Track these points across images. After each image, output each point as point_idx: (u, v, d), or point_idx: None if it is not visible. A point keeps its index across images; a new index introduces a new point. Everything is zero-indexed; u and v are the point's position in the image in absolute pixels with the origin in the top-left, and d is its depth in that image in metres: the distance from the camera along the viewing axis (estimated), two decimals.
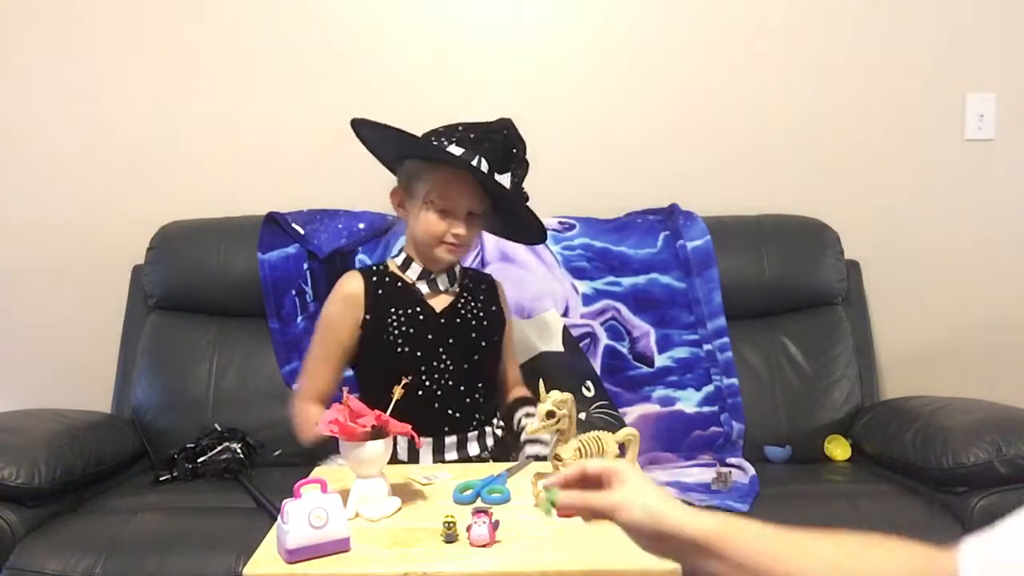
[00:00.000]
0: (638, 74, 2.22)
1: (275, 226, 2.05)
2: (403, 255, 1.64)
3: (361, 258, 1.99)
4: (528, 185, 2.28)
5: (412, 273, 1.61)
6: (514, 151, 1.58)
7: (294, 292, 2.01)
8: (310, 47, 2.22)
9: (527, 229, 1.70)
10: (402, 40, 2.21)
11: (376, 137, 1.60)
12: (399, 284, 1.61)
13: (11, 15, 2.21)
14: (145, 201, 2.24)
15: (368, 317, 1.57)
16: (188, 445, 1.88)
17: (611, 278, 2.03)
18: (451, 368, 1.58)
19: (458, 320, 1.61)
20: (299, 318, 2.00)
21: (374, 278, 1.61)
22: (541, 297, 2.00)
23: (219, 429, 1.92)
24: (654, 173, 2.24)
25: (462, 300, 1.64)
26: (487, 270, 2.01)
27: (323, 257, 1.99)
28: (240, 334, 2.05)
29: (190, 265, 2.06)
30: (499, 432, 1.67)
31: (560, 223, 2.07)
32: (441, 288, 1.62)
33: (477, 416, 1.61)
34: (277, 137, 2.22)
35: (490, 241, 2.02)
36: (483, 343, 1.63)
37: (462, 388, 1.59)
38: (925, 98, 2.22)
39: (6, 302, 2.29)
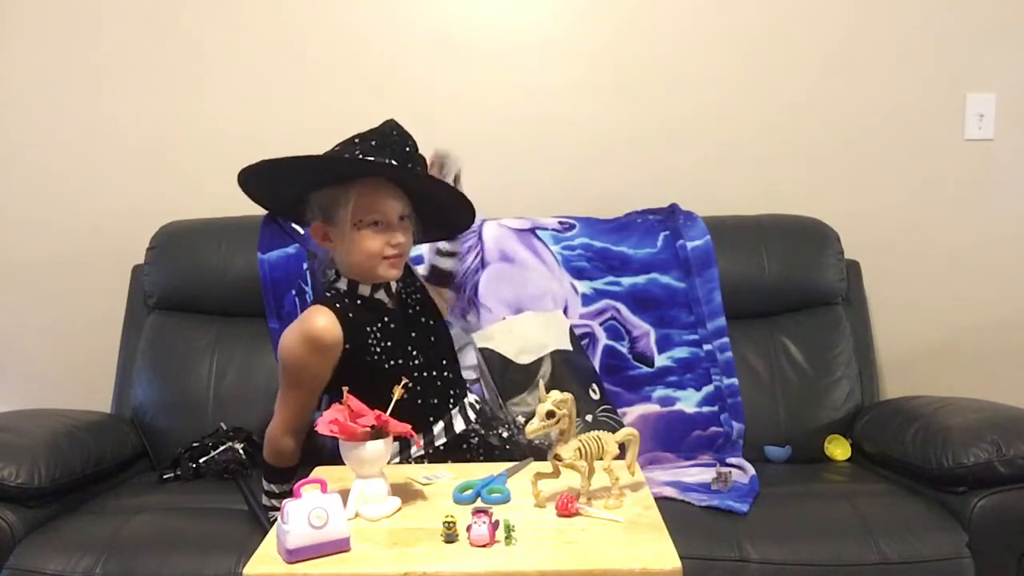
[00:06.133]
0: (638, 74, 2.23)
1: (275, 226, 2.04)
2: (344, 282, 1.57)
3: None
4: (528, 185, 2.29)
5: (365, 290, 1.57)
6: (407, 149, 1.53)
7: (294, 292, 2.01)
8: (310, 47, 2.22)
9: (454, 216, 1.65)
10: (403, 41, 2.22)
11: (276, 176, 1.53)
12: (359, 302, 1.56)
13: (11, 15, 2.21)
14: (145, 201, 2.24)
15: (348, 347, 1.51)
16: (193, 444, 1.88)
17: (611, 278, 2.03)
18: (422, 361, 1.58)
19: (410, 312, 1.62)
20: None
21: (337, 305, 1.53)
22: (541, 297, 2.00)
23: (224, 428, 1.92)
24: (654, 173, 2.24)
25: (404, 292, 1.63)
26: (487, 270, 2.01)
27: (323, 257, 1.99)
28: (240, 334, 2.05)
29: (190, 265, 2.06)
30: (476, 404, 1.69)
31: (560, 223, 2.07)
32: (394, 290, 1.60)
33: (453, 392, 1.63)
34: (277, 137, 2.21)
35: (490, 241, 2.02)
36: (432, 322, 1.65)
37: (435, 374, 1.60)
38: (925, 98, 2.22)
39: (6, 302, 2.30)
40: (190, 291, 2.07)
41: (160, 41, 2.22)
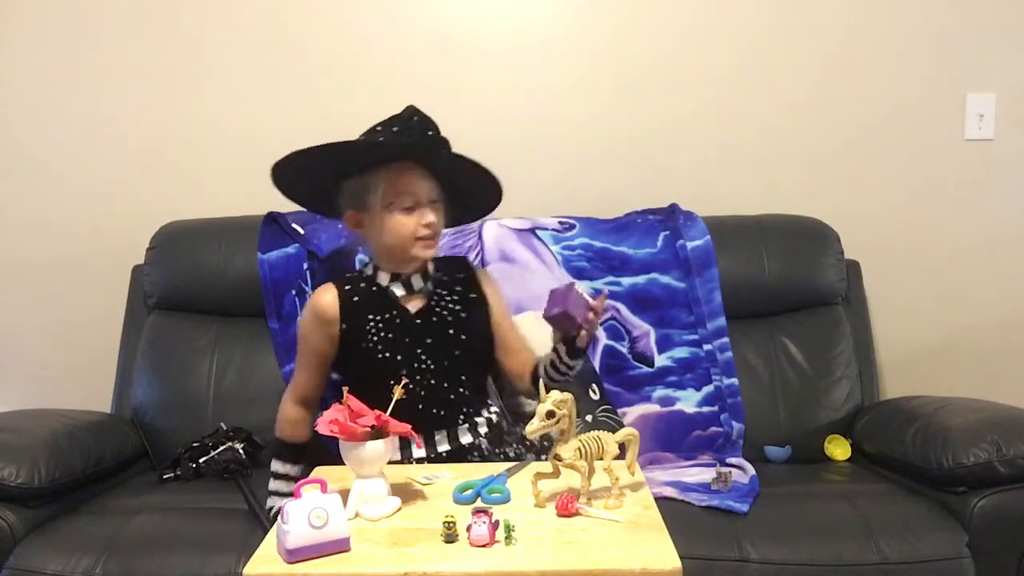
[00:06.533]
0: (638, 74, 2.23)
1: (275, 226, 2.05)
2: (370, 267, 1.63)
3: (361, 258, 1.99)
4: (528, 185, 2.29)
5: (383, 279, 1.60)
6: (430, 133, 1.55)
7: (294, 292, 2.01)
8: (310, 47, 2.22)
9: (481, 198, 1.66)
10: (403, 41, 2.22)
11: (305, 169, 1.55)
12: (374, 289, 1.59)
13: (11, 15, 2.21)
14: (145, 201, 2.24)
15: (345, 327, 1.57)
16: (193, 444, 1.88)
17: (611, 278, 2.03)
18: (432, 368, 1.57)
19: (434, 319, 1.60)
20: (299, 318, 2.00)
21: (347, 287, 1.59)
22: (541, 297, 1.97)
23: (224, 428, 1.92)
24: (654, 173, 2.24)
25: (436, 297, 1.62)
26: (487, 270, 2.00)
27: (323, 257, 1.99)
28: (240, 334, 2.05)
29: (190, 265, 2.06)
30: (494, 417, 1.66)
31: (560, 223, 2.07)
32: (415, 288, 1.60)
33: (464, 410, 1.61)
34: (277, 137, 2.21)
35: (490, 241, 2.02)
36: (463, 337, 1.61)
37: (445, 386, 1.59)
38: (925, 98, 2.22)
39: (6, 302, 2.30)
40: (190, 291, 2.07)
41: (160, 41, 2.22)
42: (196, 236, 2.09)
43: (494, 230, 2.05)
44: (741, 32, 2.21)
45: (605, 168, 2.25)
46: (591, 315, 1.43)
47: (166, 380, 2.02)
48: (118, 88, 2.23)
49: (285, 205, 2.08)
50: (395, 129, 1.52)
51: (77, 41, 2.22)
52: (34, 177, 2.26)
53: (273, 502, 1.58)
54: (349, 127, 1.56)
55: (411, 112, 1.55)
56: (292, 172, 1.57)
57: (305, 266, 2.00)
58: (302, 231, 2.02)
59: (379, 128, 1.53)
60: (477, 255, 2.01)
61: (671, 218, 2.09)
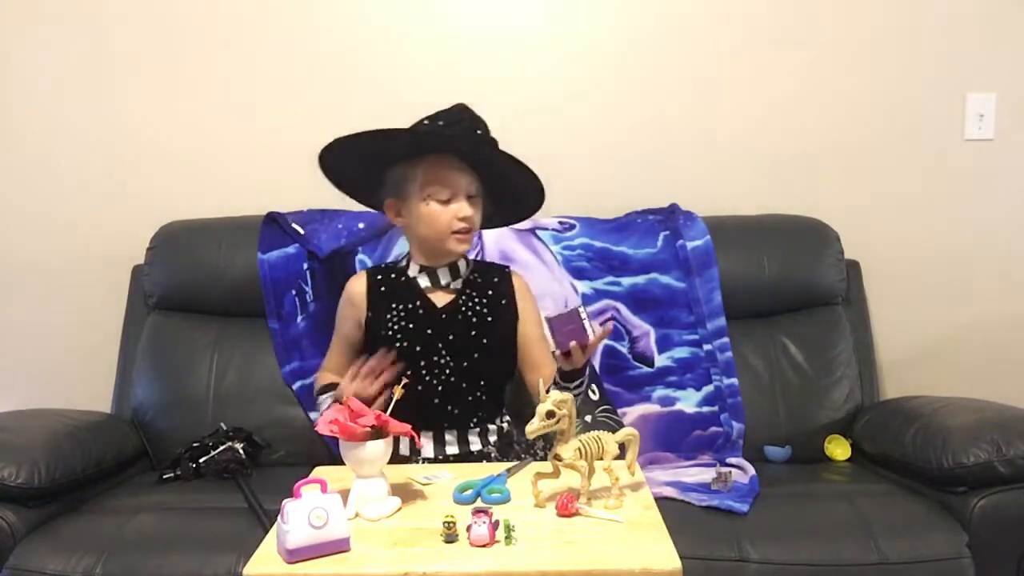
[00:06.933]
0: (638, 74, 2.23)
1: (275, 226, 2.05)
2: (405, 258, 1.67)
3: (361, 258, 1.99)
4: None
5: (412, 270, 1.63)
6: (478, 132, 1.56)
7: (294, 292, 2.01)
8: (309, 47, 2.22)
9: (522, 200, 1.67)
10: (402, 40, 2.22)
11: (349, 156, 1.57)
12: (402, 279, 1.62)
13: (13, 16, 2.21)
14: (145, 201, 2.24)
15: (370, 314, 1.61)
16: (193, 444, 1.88)
17: (611, 278, 2.03)
18: (451, 365, 1.58)
19: (459, 317, 1.61)
20: (299, 318, 2.00)
21: (378, 276, 1.64)
22: (541, 297, 1.99)
23: (224, 428, 1.92)
24: (654, 173, 2.24)
25: (464, 296, 1.63)
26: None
27: (323, 257, 1.99)
28: (240, 334, 2.05)
29: (190, 265, 2.07)
30: (505, 426, 1.66)
31: (560, 223, 2.07)
32: (443, 282, 1.62)
33: (479, 414, 1.61)
34: (277, 137, 2.22)
35: (490, 241, 2.02)
36: (484, 340, 1.61)
37: (463, 386, 1.59)
38: (925, 98, 2.22)
39: (6, 302, 2.30)
40: (190, 291, 2.07)
41: (160, 41, 2.22)
42: (196, 236, 2.09)
43: (494, 230, 2.04)
44: (741, 32, 2.21)
45: (605, 168, 2.25)
46: (574, 344, 1.41)
47: (166, 380, 2.02)
48: (118, 88, 2.23)
49: (285, 205, 2.10)
50: (440, 123, 1.53)
51: (77, 41, 2.22)
52: (35, 177, 2.26)
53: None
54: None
55: (461, 109, 1.56)
56: (337, 158, 1.59)
57: (305, 266, 2.01)
58: (302, 231, 2.02)
59: (426, 121, 1.54)
60: (477, 255, 2.01)
61: (671, 218, 2.09)
